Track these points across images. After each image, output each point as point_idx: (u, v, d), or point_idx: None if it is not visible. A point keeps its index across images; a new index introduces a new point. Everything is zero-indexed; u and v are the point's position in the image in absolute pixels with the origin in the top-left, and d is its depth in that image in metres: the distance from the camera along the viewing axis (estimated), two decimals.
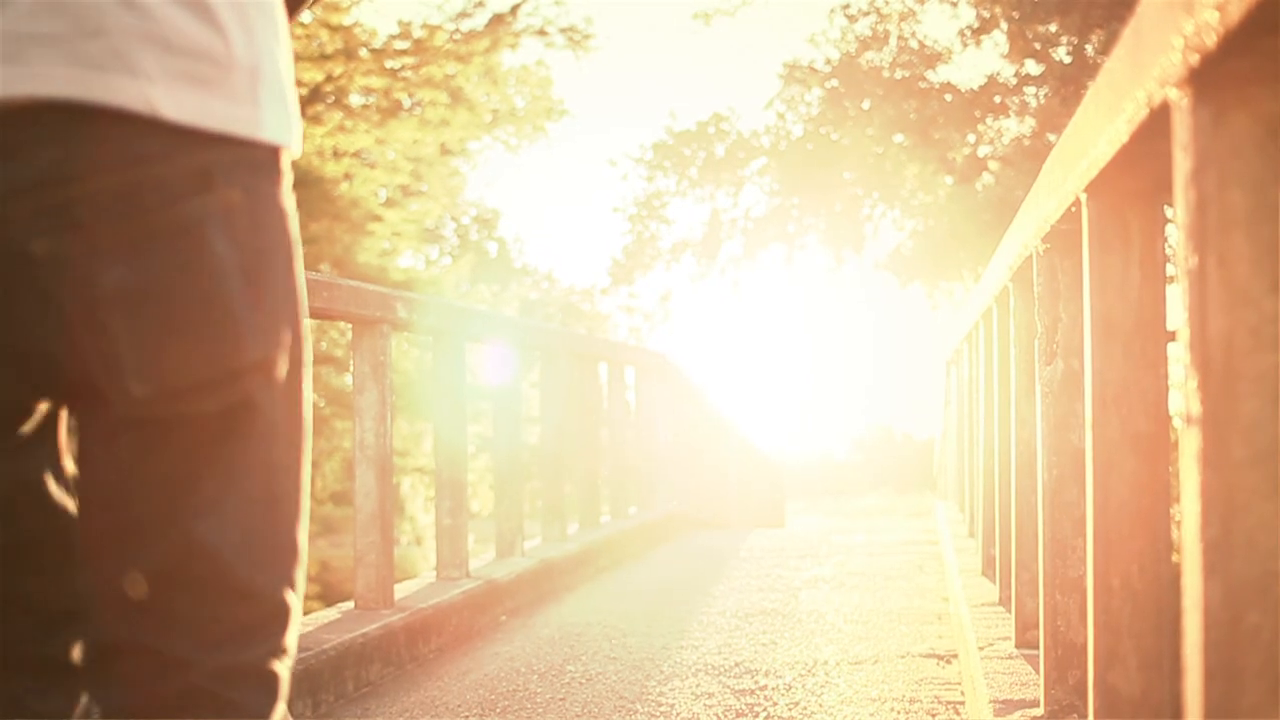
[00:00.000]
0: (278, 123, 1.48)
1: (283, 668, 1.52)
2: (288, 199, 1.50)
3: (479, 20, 18.91)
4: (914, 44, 18.41)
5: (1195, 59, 1.31)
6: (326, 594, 18.07)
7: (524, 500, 7.38)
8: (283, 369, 1.48)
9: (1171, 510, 2.30)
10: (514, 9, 18.93)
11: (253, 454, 1.46)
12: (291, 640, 1.53)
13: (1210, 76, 1.32)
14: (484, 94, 19.63)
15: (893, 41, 18.54)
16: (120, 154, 1.36)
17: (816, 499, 23.41)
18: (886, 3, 18.61)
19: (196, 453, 1.43)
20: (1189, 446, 1.35)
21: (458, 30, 18.80)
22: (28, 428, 1.51)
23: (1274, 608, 1.29)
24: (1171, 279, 2.70)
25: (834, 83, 18.61)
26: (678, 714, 3.93)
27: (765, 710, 3.95)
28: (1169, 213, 2.78)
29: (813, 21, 49.18)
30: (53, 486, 1.55)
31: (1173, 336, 2.63)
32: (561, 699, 4.19)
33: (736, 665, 4.64)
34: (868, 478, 26.54)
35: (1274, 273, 1.30)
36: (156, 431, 1.42)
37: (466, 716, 3.99)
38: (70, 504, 1.56)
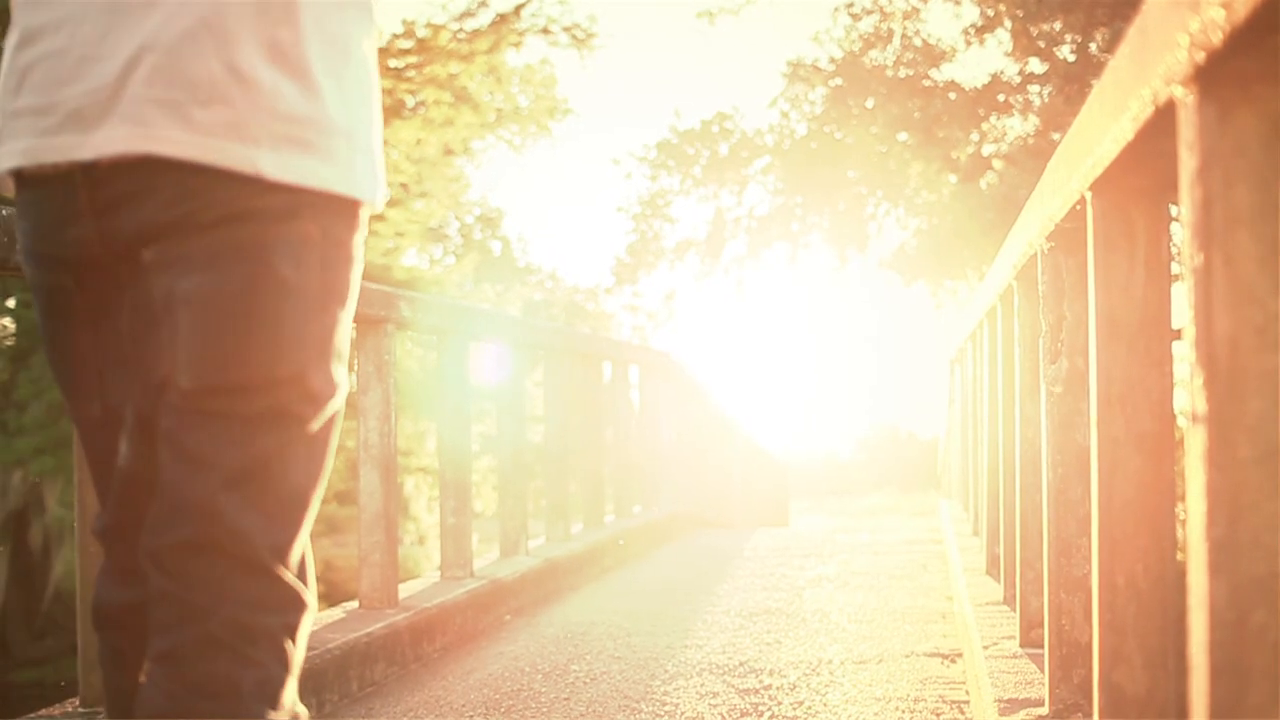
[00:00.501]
0: (365, 181, 1.68)
1: (295, 650, 1.65)
2: (358, 248, 1.70)
3: (483, 19, 18.92)
4: (918, 42, 18.41)
5: (1201, 57, 1.31)
6: (331, 593, 18.07)
7: (528, 499, 7.38)
8: (320, 387, 1.67)
9: (1176, 509, 2.30)
10: (518, 8, 18.93)
11: (283, 456, 1.64)
12: (303, 628, 1.67)
13: (1216, 74, 1.32)
14: (488, 93, 19.63)
15: (896, 40, 18.53)
16: (225, 200, 1.58)
17: (821, 498, 23.41)
18: (890, 1, 18.60)
19: (233, 445, 1.62)
20: (1195, 445, 1.35)
21: (461, 29, 18.80)
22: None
23: None
24: (1176, 277, 2.70)
25: (838, 81, 18.60)
26: (682, 713, 3.93)
27: (770, 709, 3.95)
28: (1174, 211, 2.78)
29: (816, 20, 49.15)
30: None
31: (1178, 335, 2.62)
32: (566, 698, 4.19)
33: (741, 664, 4.63)
34: (872, 477, 26.55)
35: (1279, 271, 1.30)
36: (202, 421, 1.62)
37: (471, 716, 3.99)
38: None
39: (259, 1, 1.59)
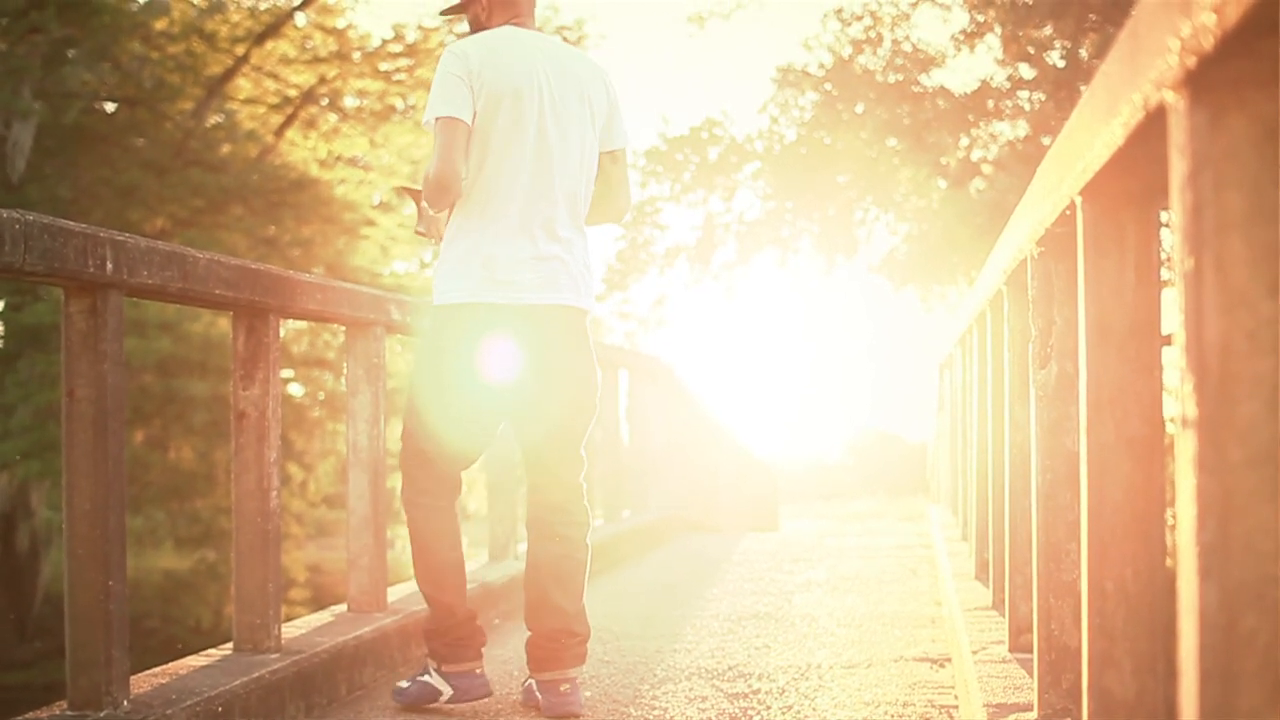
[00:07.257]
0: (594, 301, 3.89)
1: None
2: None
3: None
4: (907, 48, 18.44)
5: (1192, 61, 1.31)
6: (318, 597, 18.02)
7: (517, 503, 7.36)
8: (600, 392, 4.03)
9: (1166, 514, 2.30)
10: None
11: (590, 418, 4.03)
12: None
13: (1207, 79, 1.32)
14: None
15: (886, 45, 18.56)
16: (569, 315, 3.90)
17: (809, 503, 23.40)
18: (880, 6, 18.63)
19: (570, 421, 3.98)
20: (1185, 449, 1.35)
21: (452, 32, 18.79)
22: None
23: (1271, 610, 1.29)
24: (1166, 283, 2.70)
25: (828, 86, 18.62)
26: (671, 717, 3.93)
27: (759, 714, 3.95)
28: (1164, 217, 2.78)
29: (807, 25, 49.23)
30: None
31: (1168, 340, 2.63)
32: None
33: (730, 669, 4.63)
34: (861, 481, 26.53)
35: (1271, 276, 1.30)
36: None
37: (459, 719, 3.98)
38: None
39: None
